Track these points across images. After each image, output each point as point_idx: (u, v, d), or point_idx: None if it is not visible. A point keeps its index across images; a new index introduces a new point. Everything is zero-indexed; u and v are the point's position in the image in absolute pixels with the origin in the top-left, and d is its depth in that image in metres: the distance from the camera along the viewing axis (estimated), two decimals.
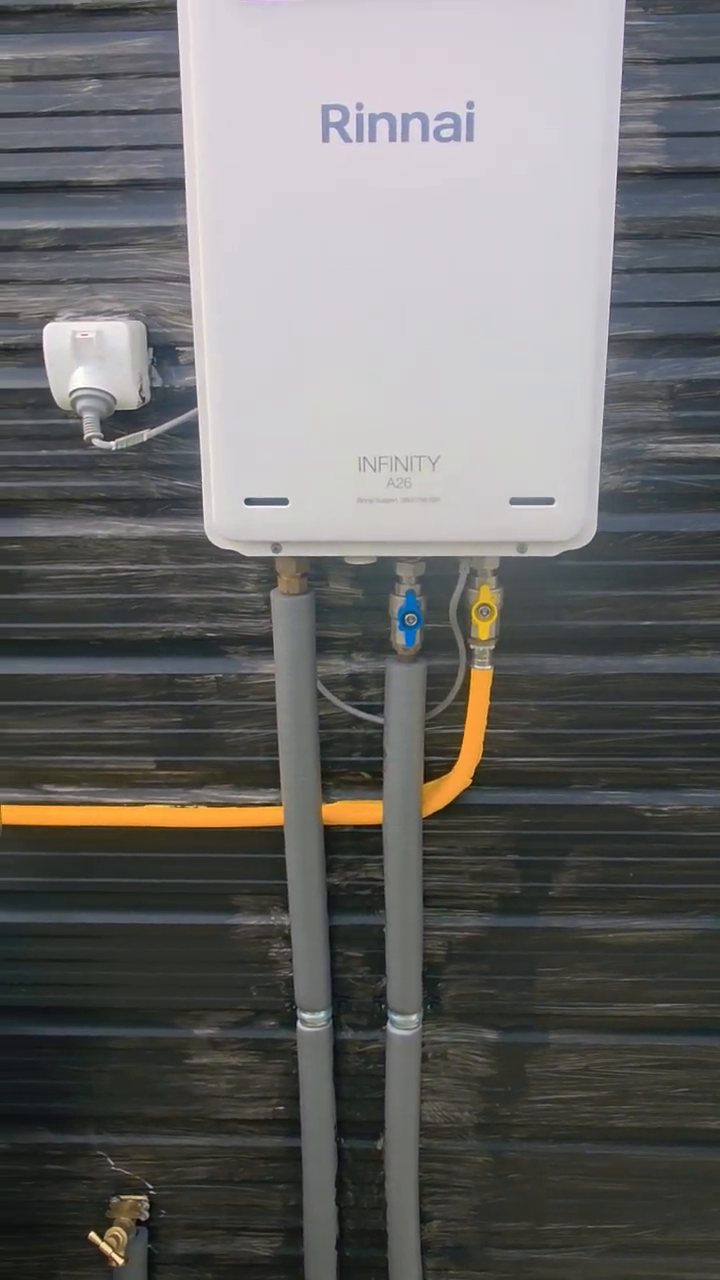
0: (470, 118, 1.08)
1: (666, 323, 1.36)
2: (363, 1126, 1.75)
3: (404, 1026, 1.63)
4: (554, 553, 1.24)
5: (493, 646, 1.39)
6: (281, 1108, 1.75)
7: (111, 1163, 1.79)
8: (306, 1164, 1.72)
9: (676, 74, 1.29)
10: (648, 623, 1.48)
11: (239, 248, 1.12)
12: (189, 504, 1.45)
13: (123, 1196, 1.79)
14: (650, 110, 1.30)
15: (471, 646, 1.40)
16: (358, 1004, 1.69)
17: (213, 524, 1.24)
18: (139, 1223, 1.78)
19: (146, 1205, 1.79)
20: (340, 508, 1.20)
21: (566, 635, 1.49)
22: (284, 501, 1.20)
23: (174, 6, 1.27)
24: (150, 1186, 1.80)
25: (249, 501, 1.21)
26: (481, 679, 1.42)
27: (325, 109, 1.08)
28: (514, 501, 1.19)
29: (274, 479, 1.20)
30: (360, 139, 1.08)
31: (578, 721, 1.53)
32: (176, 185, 1.32)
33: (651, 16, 1.28)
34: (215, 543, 1.26)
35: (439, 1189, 1.78)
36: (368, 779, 1.57)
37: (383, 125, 1.08)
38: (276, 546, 1.25)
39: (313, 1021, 1.63)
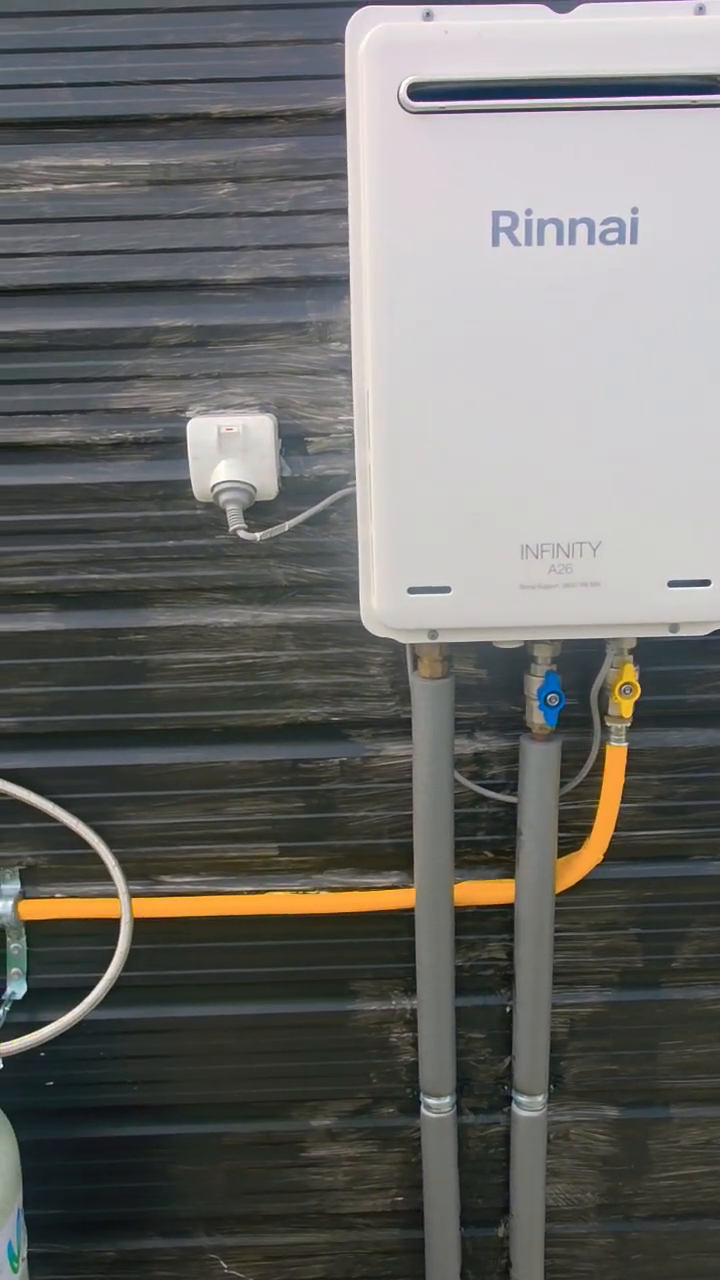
0: (634, 222, 1.13)
1: None
2: (483, 1214, 1.72)
3: (531, 1108, 1.61)
4: (705, 631, 1.27)
5: (630, 724, 1.41)
6: (401, 1198, 1.71)
7: (225, 1265, 1.74)
8: (430, 1256, 1.68)
9: None
10: None
11: (407, 344, 1.16)
12: (316, 590, 1.47)
13: None
14: None
15: (608, 724, 1.42)
16: (479, 1086, 1.67)
17: (373, 612, 1.25)
18: None
19: None
20: (503, 595, 1.22)
21: (688, 709, 1.51)
22: (447, 590, 1.22)
23: (309, 115, 1.35)
24: None
25: (412, 590, 1.22)
26: (617, 756, 1.43)
27: (495, 214, 1.12)
28: (672, 584, 1.23)
29: (437, 568, 1.22)
30: (529, 243, 1.13)
31: (699, 794, 1.54)
32: (308, 283, 1.38)
33: None
34: (372, 630, 1.27)
35: (561, 1274, 1.75)
36: (490, 858, 1.57)
37: (550, 230, 1.13)
38: (434, 633, 1.27)
39: (438, 1107, 1.61)
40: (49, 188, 1.35)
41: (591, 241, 1.13)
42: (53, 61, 1.32)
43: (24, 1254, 1.43)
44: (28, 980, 1.59)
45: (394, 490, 1.20)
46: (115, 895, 1.52)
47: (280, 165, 1.35)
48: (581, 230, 1.13)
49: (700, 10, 1.11)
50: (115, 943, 1.51)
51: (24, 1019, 1.58)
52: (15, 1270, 1.39)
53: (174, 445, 1.40)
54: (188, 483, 1.39)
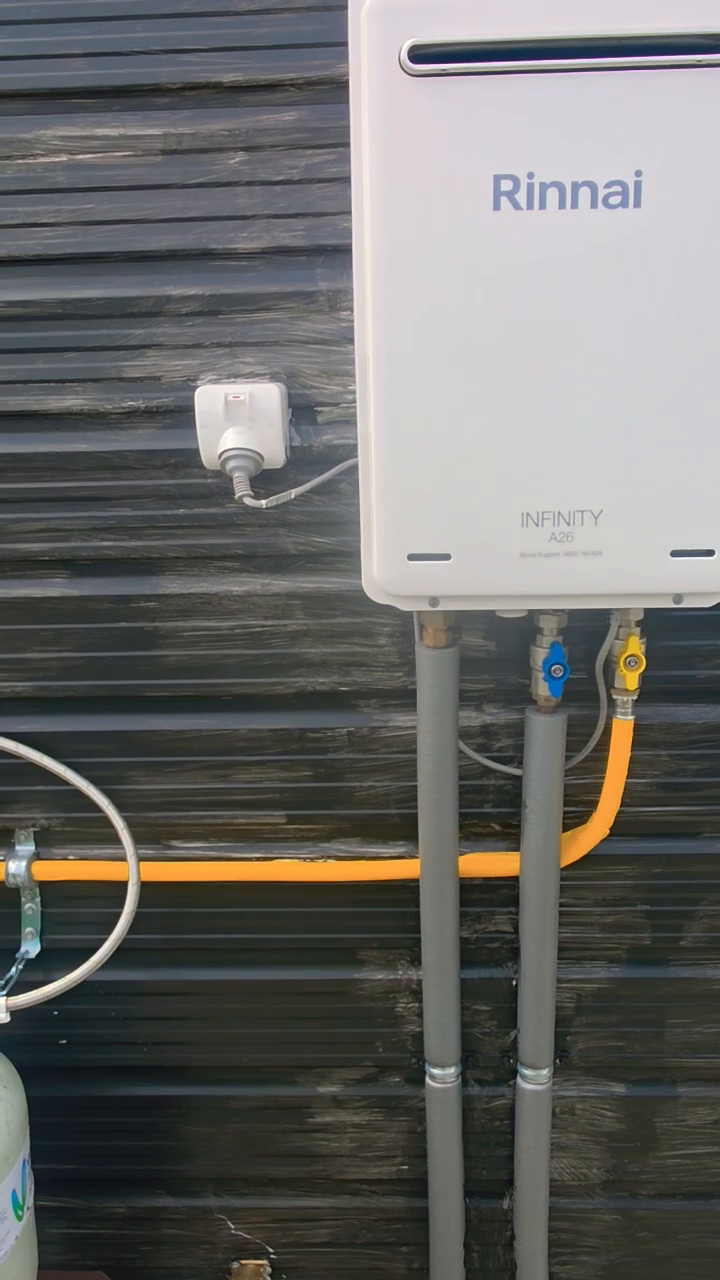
0: (638, 185, 1.11)
1: None
2: (488, 1185, 1.73)
3: (535, 1081, 1.61)
4: (710, 603, 1.26)
5: (636, 697, 1.40)
6: (405, 1167, 1.72)
7: (232, 1226, 1.76)
8: (434, 1225, 1.69)
9: None
10: None
11: (408, 309, 1.15)
12: (324, 559, 1.48)
13: (244, 1261, 1.76)
14: None
15: (614, 697, 1.41)
16: (485, 1059, 1.67)
17: (373, 579, 1.26)
18: None
19: (269, 1270, 1.76)
20: (503, 563, 1.22)
21: (699, 685, 1.49)
22: (446, 557, 1.22)
23: (321, 83, 1.34)
24: (271, 1250, 1.77)
25: (411, 557, 1.23)
26: (623, 729, 1.43)
27: (497, 178, 1.11)
28: (675, 554, 1.21)
29: (437, 535, 1.22)
30: (531, 207, 1.12)
31: (709, 770, 1.53)
32: (318, 252, 1.38)
33: None
34: (373, 598, 1.27)
35: (566, 1249, 1.75)
36: (498, 830, 1.57)
37: (553, 194, 1.11)
38: (435, 601, 1.27)
39: (442, 1077, 1.62)
40: (64, 157, 1.37)
41: (594, 205, 1.11)
42: (68, 32, 1.34)
43: (29, 1203, 1.47)
44: (41, 940, 1.63)
45: (394, 457, 1.20)
46: (125, 859, 1.54)
47: (291, 134, 1.35)
48: (584, 193, 1.11)
49: None
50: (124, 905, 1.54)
51: (39, 977, 1.61)
52: (20, 1219, 1.42)
53: (185, 414, 1.42)
54: (198, 451, 1.41)
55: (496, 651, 1.49)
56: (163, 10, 1.33)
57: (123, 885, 1.55)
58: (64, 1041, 1.69)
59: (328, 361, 1.41)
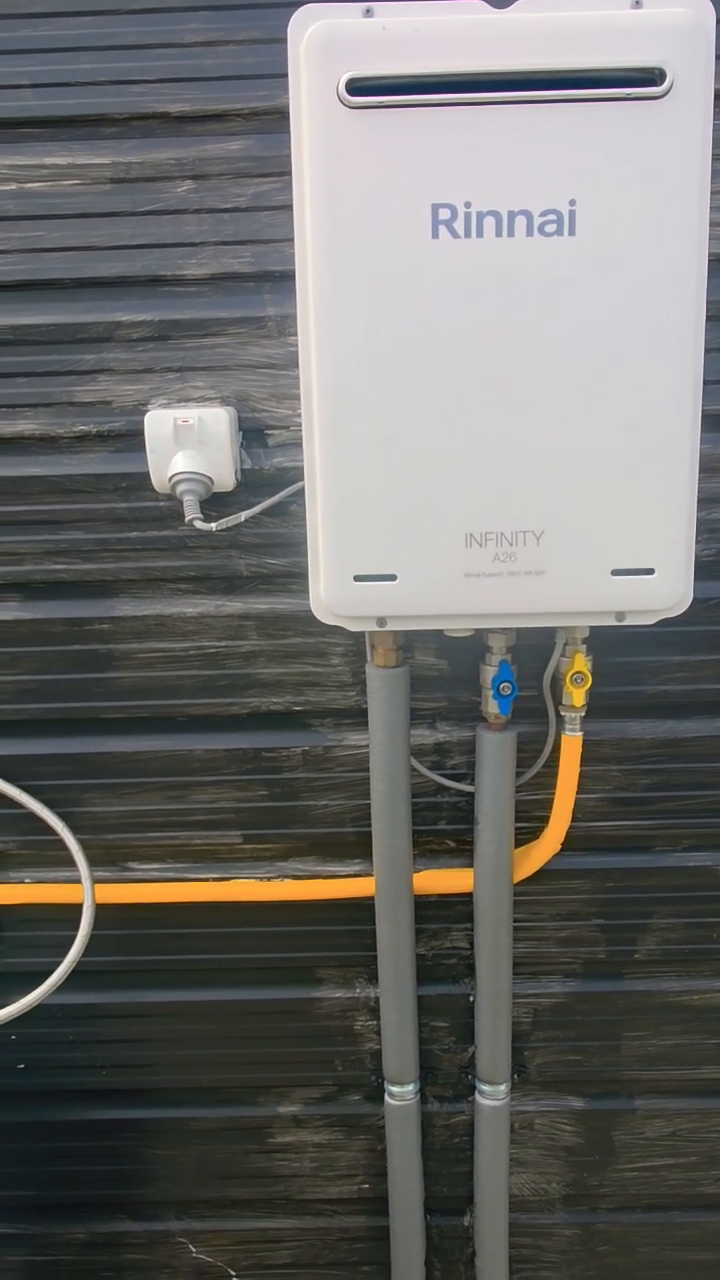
0: (573, 214, 1.14)
1: None
2: (449, 1202, 1.73)
3: (493, 1096, 1.62)
4: (651, 621, 1.28)
5: (584, 713, 1.42)
6: (367, 1185, 1.73)
7: (193, 1249, 1.76)
8: (395, 1243, 1.69)
9: None
10: None
11: (349, 336, 1.17)
12: (277, 581, 1.49)
13: None
14: None
15: (563, 713, 1.43)
16: (444, 1075, 1.68)
17: (320, 600, 1.27)
18: None
19: None
20: (448, 583, 1.24)
21: (647, 700, 1.52)
22: (392, 578, 1.24)
23: (266, 113, 1.37)
24: (233, 1273, 1.77)
25: (358, 579, 1.24)
26: (572, 745, 1.45)
27: (435, 207, 1.14)
28: (615, 572, 1.24)
29: (382, 556, 1.24)
30: (469, 235, 1.14)
31: (659, 784, 1.55)
32: (266, 278, 1.40)
33: None
34: (321, 618, 1.29)
35: (527, 1264, 1.76)
36: (453, 847, 1.59)
37: (490, 222, 1.14)
38: (382, 621, 1.29)
39: (401, 1095, 1.62)
40: (13, 186, 1.39)
41: (530, 233, 1.14)
42: (16, 63, 1.35)
43: None
44: None
45: (338, 480, 1.21)
46: (80, 881, 1.54)
47: (238, 162, 1.38)
48: (520, 222, 1.14)
49: (636, 4, 1.12)
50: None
51: None
52: None
53: (136, 438, 1.43)
54: (150, 475, 1.42)
55: (448, 670, 1.51)
56: (110, 42, 1.35)
57: (79, 908, 1.55)
58: (22, 1066, 1.68)
59: (277, 385, 1.43)
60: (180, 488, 1.37)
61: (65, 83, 1.36)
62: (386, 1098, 1.63)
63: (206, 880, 1.59)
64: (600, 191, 1.13)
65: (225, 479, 1.40)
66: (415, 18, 1.11)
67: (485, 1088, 1.62)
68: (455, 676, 1.51)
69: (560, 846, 1.52)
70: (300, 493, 1.41)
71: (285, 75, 1.25)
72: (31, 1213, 1.74)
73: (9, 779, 1.54)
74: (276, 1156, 1.72)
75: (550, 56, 1.11)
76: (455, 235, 1.14)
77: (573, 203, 1.14)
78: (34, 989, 1.53)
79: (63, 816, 1.55)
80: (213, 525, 1.37)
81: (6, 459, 1.45)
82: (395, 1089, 1.63)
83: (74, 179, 1.38)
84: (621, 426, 1.19)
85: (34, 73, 1.35)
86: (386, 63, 1.11)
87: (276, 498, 1.42)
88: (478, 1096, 1.63)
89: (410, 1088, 1.63)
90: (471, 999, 1.63)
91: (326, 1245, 1.76)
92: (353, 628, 1.29)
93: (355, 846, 1.58)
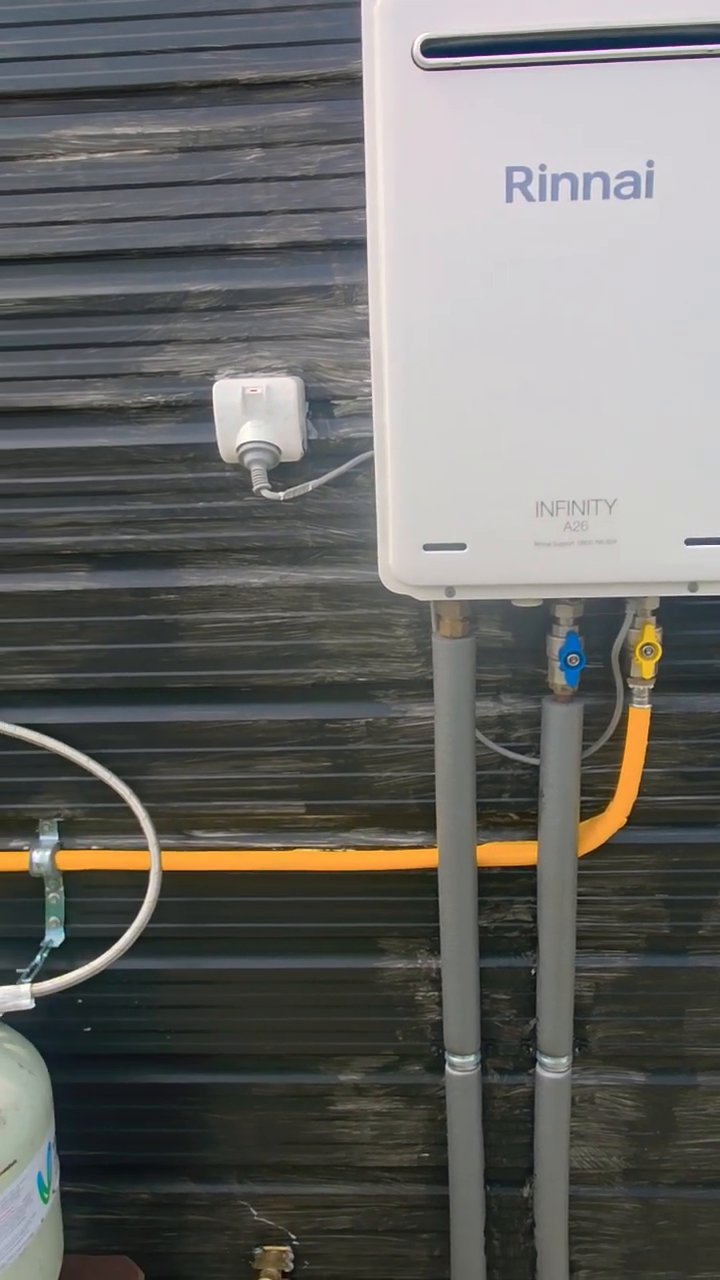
0: (650, 175, 1.12)
1: None
2: (508, 1173, 1.74)
3: (555, 1069, 1.62)
4: None
5: (652, 686, 1.41)
6: (426, 1154, 1.74)
7: (255, 1212, 1.78)
8: (455, 1212, 1.70)
9: None
10: None
11: (421, 302, 1.16)
12: (342, 551, 1.49)
13: (266, 1247, 1.78)
14: None
15: (631, 686, 1.42)
16: (504, 1047, 1.69)
17: (389, 569, 1.27)
18: (284, 1274, 1.77)
19: (291, 1256, 1.77)
20: (517, 552, 1.23)
21: (717, 674, 1.50)
22: (462, 546, 1.23)
23: (335, 79, 1.36)
24: (293, 1237, 1.79)
25: (427, 547, 1.24)
26: (640, 718, 1.43)
27: (509, 170, 1.12)
28: (689, 542, 1.22)
29: (452, 525, 1.23)
30: (543, 198, 1.12)
31: None
32: (334, 246, 1.39)
33: None
34: (390, 587, 1.29)
35: (586, 1237, 1.76)
36: (516, 820, 1.58)
37: (565, 184, 1.12)
38: (450, 590, 1.28)
39: (462, 1065, 1.63)
40: (83, 156, 1.39)
41: (606, 196, 1.12)
42: (86, 32, 1.36)
43: (55, 1186, 1.49)
44: (65, 929, 1.65)
45: (408, 448, 1.21)
46: (147, 848, 1.56)
47: (306, 130, 1.37)
48: (596, 184, 1.12)
49: None
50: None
51: (63, 965, 1.63)
52: (45, 1201, 1.45)
53: (203, 408, 1.43)
54: (216, 445, 1.42)
55: (513, 641, 1.50)
56: (179, 9, 1.34)
57: (145, 875, 1.57)
58: (88, 1029, 1.71)
59: (344, 355, 1.43)
60: (248, 457, 1.38)
61: (134, 51, 1.36)
62: (447, 1068, 1.64)
63: (270, 850, 1.61)
64: (678, 152, 1.11)
65: (292, 449, 1.40)
66: None
67: (547, 1060, 1.62)
68: (519, 648, 1.50)
69: (625, 821, 1.51)
70: (366, 464, 1.42)
71: (355, 40, 1.24)
72: (97, 1172, 1.78)
73: (77, 747, 1.57)
74: (337, 1124, 1.73)
75: (628, 14, 1.08)
76: (530, 199, 1.12)
77: (650, 164, 1.11)
78: (99, 953, 1.56)
79: (130, 784, 1.57)
80: (280, 495, 1.38)
81: (75, 430, 1.47)
82: (456, 1059, 1.63)
83: (143, 148, 1.38)
84: (698, 393, 1.17)
85: (104, 42, 1.36)
86: (461, 23, 1.09)
87: (344, 468, 1.41)
88: (539, 1069, 1.63)
89: (471, 1059, 1.63)
90: (533, 972, 1.63)
91: (386, 1212, 1.77)
92: (421, 597, 1.29)
93: (418, 818, 1.58)
